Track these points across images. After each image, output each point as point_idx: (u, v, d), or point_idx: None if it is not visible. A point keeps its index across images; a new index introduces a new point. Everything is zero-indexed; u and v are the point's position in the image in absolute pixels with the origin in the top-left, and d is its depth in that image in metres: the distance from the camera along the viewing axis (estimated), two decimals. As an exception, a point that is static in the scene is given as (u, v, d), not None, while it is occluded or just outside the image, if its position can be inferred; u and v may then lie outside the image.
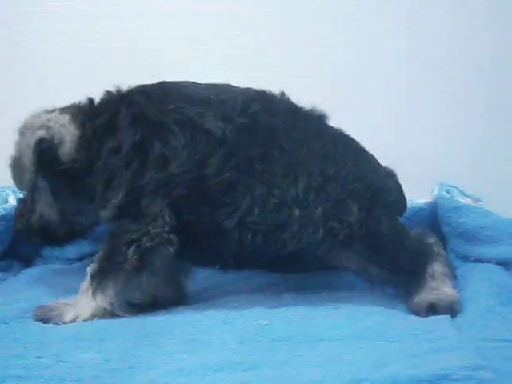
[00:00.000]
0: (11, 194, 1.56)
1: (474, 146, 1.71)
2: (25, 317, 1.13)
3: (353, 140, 1.26)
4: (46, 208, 1.26)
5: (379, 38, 1.69)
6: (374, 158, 1.28)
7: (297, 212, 1.13)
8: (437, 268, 1.19)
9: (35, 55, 1.70)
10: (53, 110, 1.28)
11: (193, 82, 1.28)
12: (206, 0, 1.70)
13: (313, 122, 1.23)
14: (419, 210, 1.50)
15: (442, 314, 1.09)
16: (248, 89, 1.26)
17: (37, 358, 0.90)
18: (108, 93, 1.29)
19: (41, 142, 1.20)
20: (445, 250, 1.32)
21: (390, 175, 1.28)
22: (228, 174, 1.14)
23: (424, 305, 1.14)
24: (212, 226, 1.15)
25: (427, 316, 1.10)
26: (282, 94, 1.27)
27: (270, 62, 1.68)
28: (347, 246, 1.17)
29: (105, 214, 1.17)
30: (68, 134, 1.22)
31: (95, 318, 1.10)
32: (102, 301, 1.11)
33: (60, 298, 1.22)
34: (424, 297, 1.16)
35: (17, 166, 1.24)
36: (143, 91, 1.23)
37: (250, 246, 1.15)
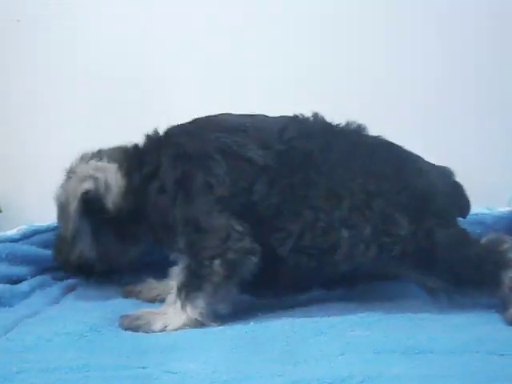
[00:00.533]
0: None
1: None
2: (113, 325, 1.13)
3: (393, 145, 1.23)
4: (86, 249, 1.28)
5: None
6: (420, 159, 1.24)
7: (345, 233, 1.13)
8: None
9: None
10: (100, 157, 1.29)
11: (226, 113, 1.29)
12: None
13: (349, 138, 1.22)
14: (500, 219, 1.46)
15: None
16: (281, 116, 1.26)
17: (143, 368, 0.89)
18: (148, 137, 1.30)
19: (86, 193, 1.21)
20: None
21: (443, 175, 1.24)
22: (274, 200, 1.15)
23: None
24: (267, 252, 1.14)
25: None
26: (316, 115, 1.25)
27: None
28: (401, 261, 1.15)
29: (180, 248, 1.17)
30: (115, 184, 1.23)
31: (191, 325, 1.11)
32: (193, 312, 1.11)
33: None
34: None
35: (61, 209, 1.26)
36: (180, 130, 1.25)
37: (305, 270, 1.16)
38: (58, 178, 1.30)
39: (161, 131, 1.29)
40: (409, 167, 1.21)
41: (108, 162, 1.27)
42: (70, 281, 1.47)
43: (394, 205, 1.14)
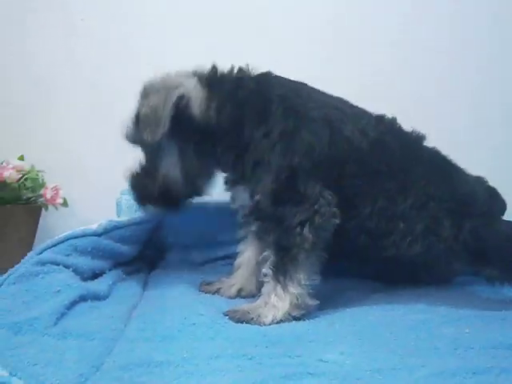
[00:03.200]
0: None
1: None
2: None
3: (443, 157, 1.39)
4: (171, 168, 1.31)
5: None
6: (461, 170, 1.40)
7: (401, 225, 1.28)
8: None
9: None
10: (177, 74, 1.34)
11: (323, 92, 1.38)
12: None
13: (416, 146, 1.36)
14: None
15: None
16: (365, 110, 1.38)
17: (297, 356, 0.96)
18: (238, 69, 1.36)
19: (181, 98, 1.25)
20: None
21: (479, 183, 1.41)
22: (359, 181, 1.27)
23: None
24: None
25: None
26: (394, 119, 1.39)
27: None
28: (454, 257, 1.33)
29: (261, 200, 1.24)
30: (198, 95, 1.28)
31: (293, 311, 1.17)
32: (295, 287, 1.18)
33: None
34: None
35: (149, 121, 1.24)
36: (289, 86, 1.34)
37: (361, 245, 1.29)
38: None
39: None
40: (455, 178, 1.37)
41: (187, 77, 1.31)
42: (142, 274, 1.54)
43: (443, 209, 1.30)
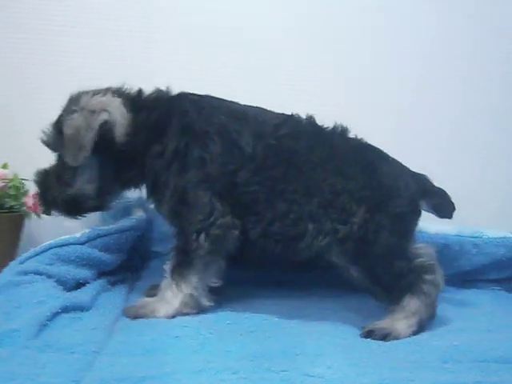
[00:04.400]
0: (136, 206, 1.60)
1: None
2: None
3: (370, 149, 1.36)
4: (86, 183, 1.33)
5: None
6: (395, 163, 1.36)
7: (310, 226, 1.27)
8: (412, 302, 1.23)
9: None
10: (100, 92, 1.34)
11: (235, 102, 1.39)
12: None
13: (332, 141, 1.34)
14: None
15: None
16: (281, 113, 1.39)
17: (283, 371, 0.94)
18: (158, 91, 1.39)
19: (104, 123, 1.27)
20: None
21: (417, 181, 1.34)
22: (254, 188, 1.28)
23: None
24: (241, 233, 1.28)
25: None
26: (310, 117, 1.38)
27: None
28: (341, 244, 1.27)
29: (163, 211, 1.33)
30: (122, 117, 1.29)
31: (184, 308, 1.24)
32: (187, 288, 1.24)
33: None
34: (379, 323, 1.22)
35: (72, 143, 1.26)
36: (195, 103, 1.34)
37: (270, 253, 1.31)
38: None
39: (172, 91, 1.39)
40: (379, 168, 1.32)
41: (112, 96, 1.32)
42: (126, 285, 1.51)
43: (356, 199, 1.26)
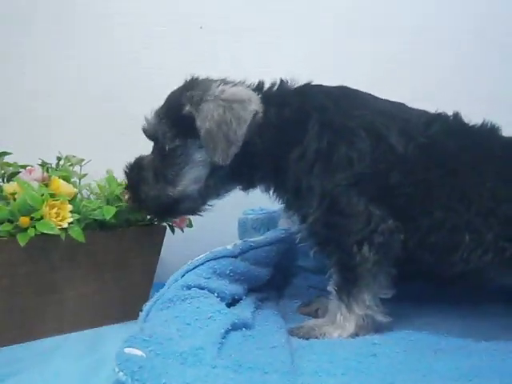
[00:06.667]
0: (283, 217, 1.50)
1: None
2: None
3: None
4: (192, 183, 1.21)
5: None
6: None
7: (467, 237, 1.12)
8: None
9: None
10: (234, 84, 1.23)
11: (371, 94, 1.26)
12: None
13: (483, 140, 1.20)
14: None
15: None
16: (425, 111, 1.24)
17: None
18: (279, 84, 1.27)
19: (255, 115, 1.17)
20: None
21: None
22: (407, 190, 1.14)
23: None
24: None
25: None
26: (456, 114, 1.24)
27: None
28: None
29: (312, 225, 1.18)
30: (260, 110, 1.18)
31: (360, 331, 1.14)
32: (360, 308, 1.13)
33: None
34: None
35: (219, 138, 1.14)
36: (329, 95, 1.22)
37: (425, 264, 1.17)
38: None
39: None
40: None
41: (245, 89, 1.22)
42: (273, 302, 1.40)
43: None
